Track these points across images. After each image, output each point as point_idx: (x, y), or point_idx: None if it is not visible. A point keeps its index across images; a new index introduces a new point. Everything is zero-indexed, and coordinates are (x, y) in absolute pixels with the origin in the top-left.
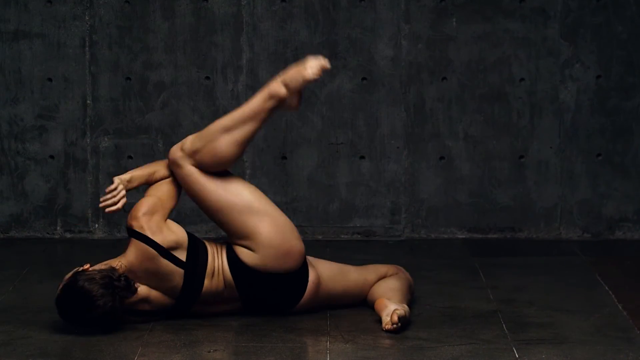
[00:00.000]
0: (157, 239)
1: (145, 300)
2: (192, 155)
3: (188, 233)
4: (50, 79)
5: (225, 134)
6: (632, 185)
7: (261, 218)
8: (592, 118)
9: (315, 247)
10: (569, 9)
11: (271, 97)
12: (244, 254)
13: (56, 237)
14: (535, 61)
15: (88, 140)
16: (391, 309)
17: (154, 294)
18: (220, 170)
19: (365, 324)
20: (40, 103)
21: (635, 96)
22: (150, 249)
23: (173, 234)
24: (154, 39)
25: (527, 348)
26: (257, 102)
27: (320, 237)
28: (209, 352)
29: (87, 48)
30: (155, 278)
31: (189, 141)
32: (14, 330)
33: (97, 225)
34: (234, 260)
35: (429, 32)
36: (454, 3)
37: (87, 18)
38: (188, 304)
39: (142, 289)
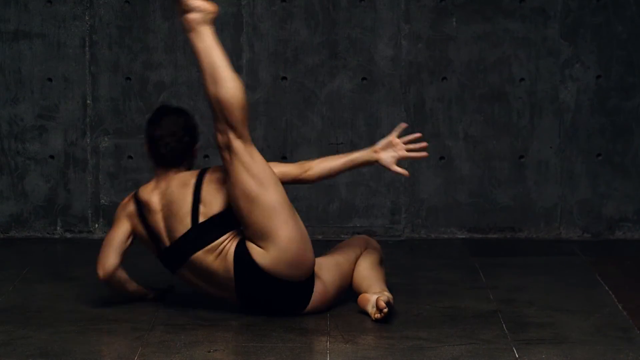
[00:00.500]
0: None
1: (153, 213)
2: (229, 128)
3: (226, 213)
4: (50, 79)
5: (215, 83)
6: (632, 185)
7: (286, 221)
8: (592, 118)
9: (316, 247)
10: (569, 9)
11: (186, 19)
12: (255, 251)
13: (56, 237)
14: (535, 61)
15: (88, 140)
16: (374, 299)
17: (159, 225)
18: (243, 112)
19: (365, 324)
20: (40, 103)
21: (635, 96)
22: (194, 177)
23: (214, 197)
24: (154, 39)
25: (527, 348)
26: (193, 38)
27: (320, 237)
28: (209, 352)
29: (87, 48)
30: (169, 208)
31: (223, 130)
32: (14, 330)
33: (97, 225)
34: (241, 254)
35: (429, 32)
36: (454, 3)
37: (87, 18)
38: (171, 258)
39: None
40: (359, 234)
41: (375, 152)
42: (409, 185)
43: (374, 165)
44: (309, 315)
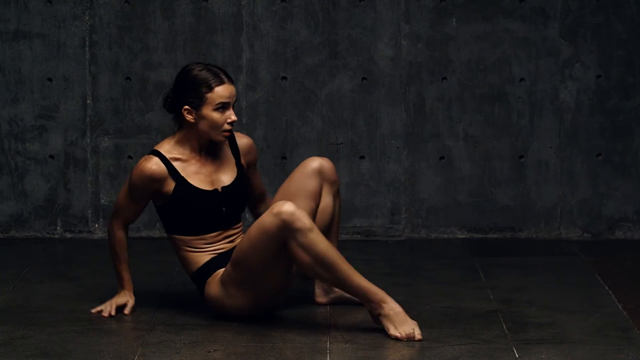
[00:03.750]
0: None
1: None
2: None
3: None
4: (50, 79)
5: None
6: (632, 185)
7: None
8: (592, 118)
9: None
10: (569, 9)
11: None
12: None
13: (56, 237)
14: (535, 61)
15: (88, 140)
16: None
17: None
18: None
19: (365, 324)
20: (40, 103)
21: (635, 96)
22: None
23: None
24: (154, 39)
25: (527, 348)
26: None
27: None
28: (209, 352)
29: (87, 48)
30: None
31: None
32: (14, 330)
33: (97, 225)
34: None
35: (429, 32)
36: (454, 3)
37: (87, 18)
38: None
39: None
40: (359, 234)
41: None
42: (409, 185)
43: None
44: (309, 315)
